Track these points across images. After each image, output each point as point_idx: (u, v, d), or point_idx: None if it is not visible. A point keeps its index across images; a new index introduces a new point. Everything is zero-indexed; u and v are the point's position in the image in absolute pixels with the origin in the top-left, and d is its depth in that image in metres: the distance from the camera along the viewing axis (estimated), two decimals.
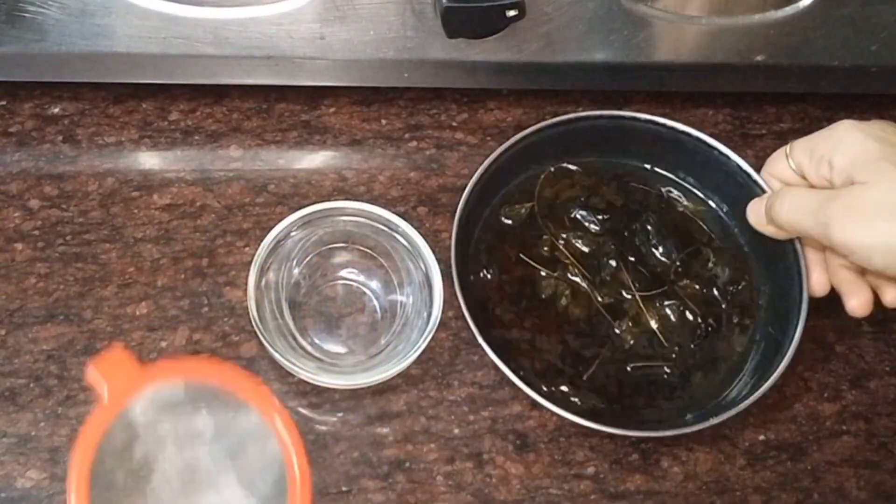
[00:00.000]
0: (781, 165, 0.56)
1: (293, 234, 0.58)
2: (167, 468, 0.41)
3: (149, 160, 0.65)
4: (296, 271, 0.60)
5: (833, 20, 0.60)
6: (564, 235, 0.61)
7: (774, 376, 0.55)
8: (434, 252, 0.57)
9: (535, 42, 0.60)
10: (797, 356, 0.57)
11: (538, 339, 0.59)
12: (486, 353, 0.62)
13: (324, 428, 0.58)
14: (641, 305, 0.59)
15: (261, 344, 0.59)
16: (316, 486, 0.56)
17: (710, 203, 0.64)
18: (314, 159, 0.66)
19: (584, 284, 0.60)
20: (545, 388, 0.57)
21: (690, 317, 0.60)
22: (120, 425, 0.41)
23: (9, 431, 0.55)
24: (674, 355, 0.59)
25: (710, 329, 0.60)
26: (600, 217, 0.62)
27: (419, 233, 0.58)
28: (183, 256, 0.62)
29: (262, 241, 0.57)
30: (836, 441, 0.60)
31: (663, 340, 0.59)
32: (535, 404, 0.60)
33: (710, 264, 0.61)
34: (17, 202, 0.62)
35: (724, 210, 0.63)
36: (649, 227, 0.61)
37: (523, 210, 0.62)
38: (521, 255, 0.60)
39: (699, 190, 0.64)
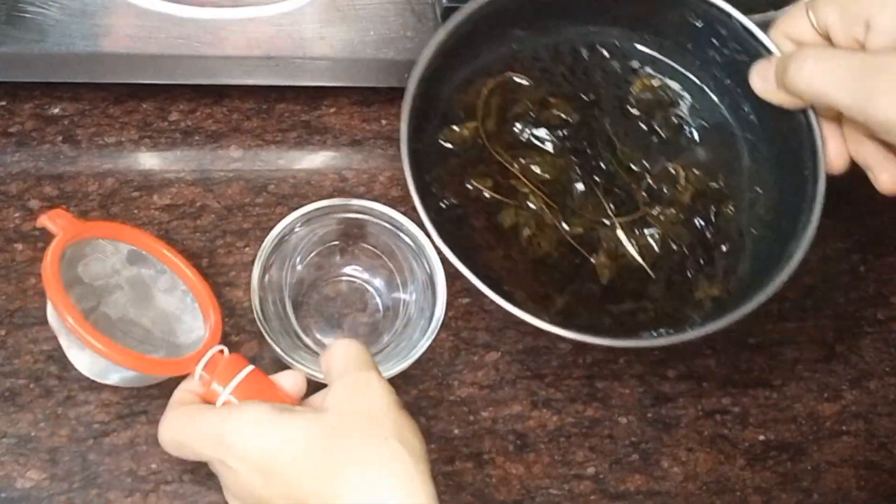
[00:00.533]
0: (800, 23, 0.47)
1: (296, 230, 0.58)
2: (117, 287, 0.54)
3: (149, 160, 0.65)
4: (299, 268, 0.59)
5: None
6: (521, 160, 0.54)
7: (790, 266, 0.48)
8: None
9: None
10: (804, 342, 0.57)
11: (507, 275, 0.53)
12: (485, 354, 0.62)
13: None
14: (621, 233, 0.53)
15: (261, 344, 0.59)
16: None
17: (692, 78, 0.55)
18: (314, 160, 0.66)
19: (548, 213, 0.53)
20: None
21: (675, 246, 0.53)
22: (72, 254, 0.51)
23: (9, 431, 0.55)
24: (658, 290, 0.53)
25: (701, 262, 0.53)
26: (557, 134, 0.54)
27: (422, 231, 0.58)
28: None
29: (262, 240, 0.57)
30: (836, 441, 0.61)
31: (650, 272, 0.53)
32: (534, 404, 0.60)
33: (692, 174, 0.54)
34: (17, 202, 0.62)
35: (711, 86, 0.55)
36: (616, 142, 0.54)
37: (466, 132, 0.54)
38: (472, 184, 0.54)
39: (678, 62, 0.55)
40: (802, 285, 0.66)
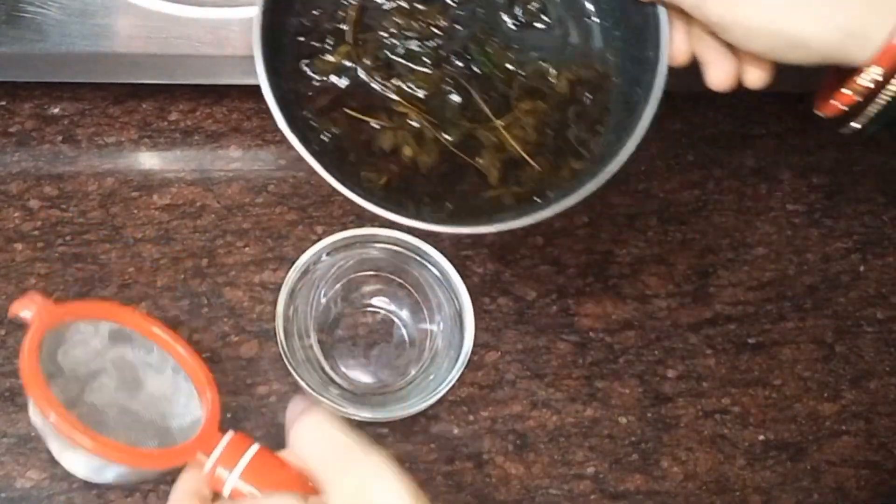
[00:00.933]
0: None
1: (322, 260, 0.57)
2: (102, 371, 0.50)
3: (149, 160, 0.65)
4: (323, 300, 0.59)
5: None
6: (395, 80, 0.53)
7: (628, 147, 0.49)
8: (464, 280, 0.56)
9: None
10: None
11: (393, 195, 0.53)
12: (485, 354, 0.62)
13: None
14: (500, 132, 0.53)
15: (261, 344, 0.59)
16: None
17: None
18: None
19: (429, 128, 0.53)
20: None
21: (551, 132, 0.54)
22: (51, 342, 0.47)
23: (9, 431, 0.55)
24: (542, 177, 0.53)
25: (575, 145, 0.53)
26: (429, 45, 0.54)
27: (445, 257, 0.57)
28: (183, 256, 0.62)
29: (263, 241, 0.57)
30: (836, 441, 0.61)
31: (533, 163, 0.53)
32: (534, 404, 0.60)
33: (559, 64, 0.55)
34: (17, 202, 0.62)
35: None
36: (484, 43, 0.54)
37: (337, 59, 0.53)
38: (347, 111, 0.53)
39: None
40: (802, 285, 0.66)
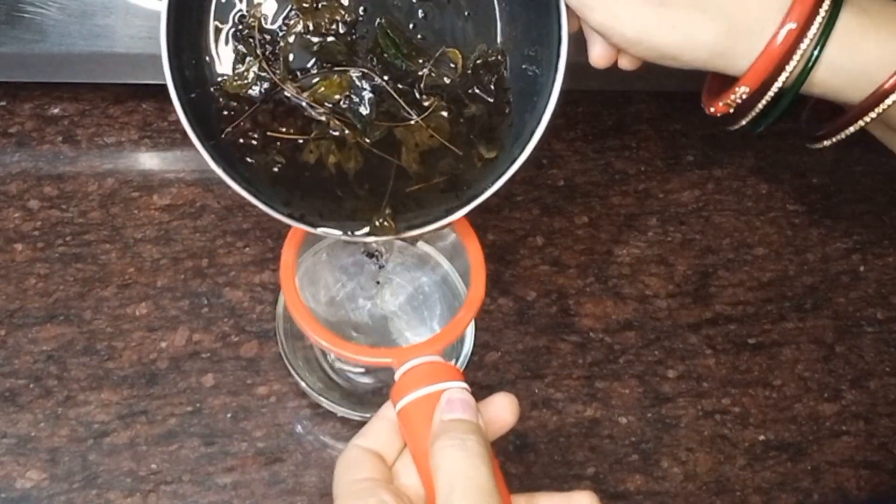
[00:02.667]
0: None
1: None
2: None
3: (149, 160, 0.65)
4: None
5: None
6: (307, 88, 0.52)
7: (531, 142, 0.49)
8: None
9: None
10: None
11: (328, 203, 0.52)
12: (485, 354, 0.62)
13: (325, 427, 0.58)
14: (417, 127, 0.52)
15: (261, 344, 0.59)
16: (317, 487, 0.56)
17: None
18: None
19: (349, 132, 0.52)
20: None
21: (463, 119, 0.53)
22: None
23: (9, 432, 0.55)
24: (461, 165, 0.53)
25: (486, 129, 0.53)
26: (337, 43, 0.52)
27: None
28: (183, 257, 0.62)
29: (263, 241, 0.57)
30: (836, 441, 0.61)
31: (455, 149, 0.52)
32: (534, 405, 0.60)
33: (465, 49, 0.54)
34: (17, 202, 0.62)
35: None
36: (390, 34, 0.53)
37: (250, 74, 0.51)
38: (268, 134, 0.51)
39: None
40: (802, 285, 0.66)
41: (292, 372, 0.55)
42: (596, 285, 0.65)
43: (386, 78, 0.53)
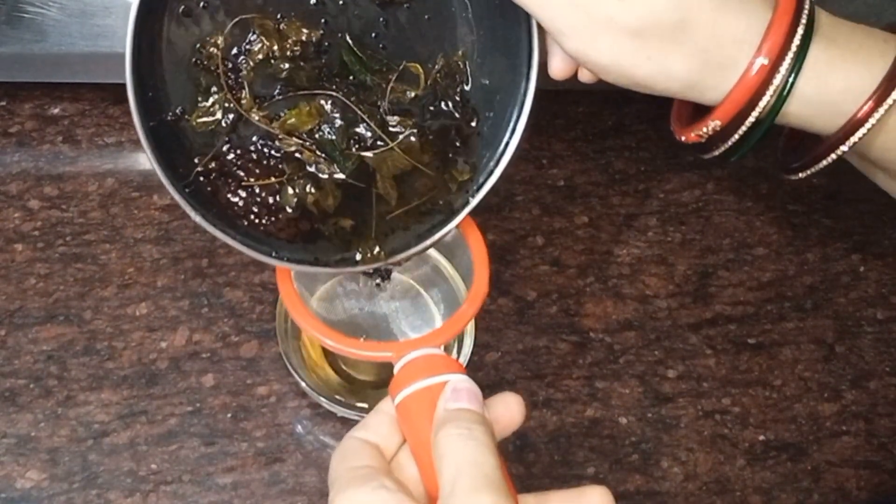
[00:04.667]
0: None
1: None
2: None
3: (149, 160, 0.65)
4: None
5: None
6: (275, 119, 0.49)
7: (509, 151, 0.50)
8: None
9: None
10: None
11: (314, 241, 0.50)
12: (485, 354, 0.62)
13: (325, 427, 0.58)
14: (395, 148, 0.51)
15: (261, 344, 0.59)
16: (317, 487, 0.56)
17: None
18: None
19: (322, 164, 0.50)
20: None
21: (437, 127, 0.52)
22: None
23: (9, 432, 0.55)
24: (437, 185, 0.52)
25: (457, 145, 0.52)
26: (303, 67, 0.50)
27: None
28: (183, 257, 0.62)
29: None
30: (836, 441, 0.61)
31: (427, 170, 0.51)
32: (534, 405, 0.60)
33: (430, 65, 0.52)
34: (17, 202, 0.62)
35: None
36: (356, 50, 0.51)
37: (215, 107, 0.48)
38: (246, 183, 0.49)
39: None
40: (802, 285, 0.66)
41: (292, 372, 0.55)
42: (596, 285, 0.65)
43: (353, 100, 0.51)
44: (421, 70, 0.52)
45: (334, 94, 0.50)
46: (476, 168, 0.52)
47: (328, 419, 0.58)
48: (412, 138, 0.51)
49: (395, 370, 0.43)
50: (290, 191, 0.50)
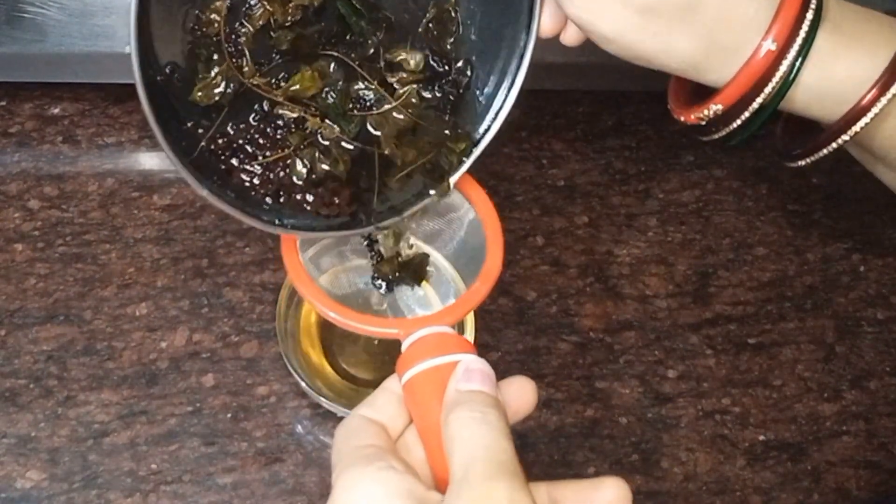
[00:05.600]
0: None
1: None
2: None
3: (149, 160, 0.65)
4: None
5: None
6: (282, 85, 0.48)
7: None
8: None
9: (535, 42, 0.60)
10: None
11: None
12: (485, 354, 0.62)
13: (325, 427, 0.58)
14: (399, 107, 0.50)
15: (261, 344, 0.59)
16: (317, 487, 0.56)
17: None
18: None
19: (326, 128, 0.49)
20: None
21: (431, 89, 0.51)
22: None
23: (9, 432, 0.55)
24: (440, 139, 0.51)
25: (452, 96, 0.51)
26: (305, 32, 0.48)
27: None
28: (183, 257, 0.62)
29: (263, 240, 0.57)
30: (837, 441, 0.60)
31: (428, 126, 0.51)
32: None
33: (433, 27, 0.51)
34: (17, 202, 0.62)
35: None
36: (361, 10, 0.49)
37: (219, 79, 0.46)
38: (257, 162, 0.48)
39: None
40: (802, 285, 0.66)
41: (292, 372, 0.55)
42: (596, 285, 0.65)
43: (353, 58, 0.49)
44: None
45: (335, 54, 0.49)
46: (475, 124, 0.51)
47: (328, 419, 0.58)
48: (412, 96, 0.50)
49: (403, 348, 0.41)
50: (299, 163, 0.48)
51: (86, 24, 0.58)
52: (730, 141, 0.48)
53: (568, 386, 0.61)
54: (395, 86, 0.50)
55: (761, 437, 0.60)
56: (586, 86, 0.68)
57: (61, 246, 0.61)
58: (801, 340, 0.64)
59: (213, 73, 0.46)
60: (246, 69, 0.47)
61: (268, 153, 0.48)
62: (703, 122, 0.47)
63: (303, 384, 0.55)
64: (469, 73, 0.51)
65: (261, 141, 0.48)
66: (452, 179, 0.50)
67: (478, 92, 0.52)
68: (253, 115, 0.48)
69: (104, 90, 0.66)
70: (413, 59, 0.50)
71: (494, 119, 0.50)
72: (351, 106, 0.49)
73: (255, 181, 0.48)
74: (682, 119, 0.49)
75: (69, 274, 0.61)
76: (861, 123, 0.44)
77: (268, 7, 0.48)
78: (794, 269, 0.67)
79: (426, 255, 0.51)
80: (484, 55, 0.51)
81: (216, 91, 0.46)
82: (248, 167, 0.48)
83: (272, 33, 0.48)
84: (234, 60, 0.47)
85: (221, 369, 0.58)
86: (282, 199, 0.48)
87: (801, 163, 0.49)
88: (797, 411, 0.61)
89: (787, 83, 0.44)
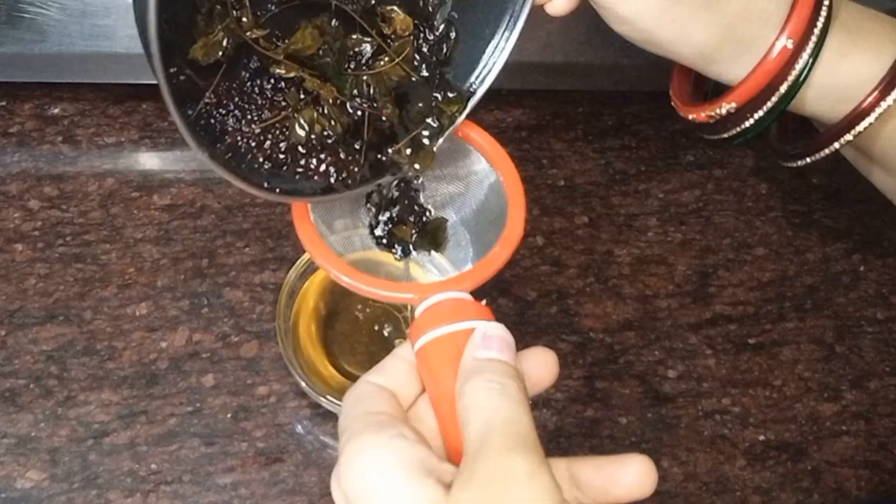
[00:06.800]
0: None
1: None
2: None
3: (149, 160, 0.65)
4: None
5: None
6: (283, 43, 0.45)
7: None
8: None
9: (535, 42, 0.60)
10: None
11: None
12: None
13: (325, 427, 0.58)
14: (389, 69, 0.47)
15: (261, 344, 0.59)
16: (317, 487, 0.56)
17: None
18: None
19: (325, 89, 0.46)
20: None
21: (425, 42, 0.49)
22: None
23: (9, 432, 0.55)
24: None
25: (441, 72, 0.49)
26: None
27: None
28: (183, 257, 0.62)
29: (263, 241, 0.57)
30: (837, 441, 0.60)
31: (421, 78, 0.49)
32: (535, 405, 0.60)
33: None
34: (17, 202, 0.62)
35: None
36: None
37: (220, 35, 0.43)
38: (258, 123, 0.45)
39: None
40: (802, 285, 0.66)
41: (292, 372, 0.55)
42: (596, 285, 0.65)
43: (352, 18, 0.46)
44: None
45: (335, 1, 0.46)
46: (467, 77, 0.49)
47: (328, 419, 0.58)
48: (408, 45, 0.47)
49: (417, 313, 0.39)
50: (298, 126, 0.46)
51: (86, 24, 0.58)
52: (735, 140, 0.47)
53: (568, 386, 0.61)
54: (391, 39, 0.47)
55: (761, 437, 0.60)
56: (586, 86, 0.68)
57: (61, 246, 0.61)
58: (801, 340, 0.64)
59: (216, 29, 0.42)
60: (245, 21, 0.43)
61: (265, 114, 0.45)
62: (713, 121, 0.47)
63: (303, 384, 0.55)
64: (453, 34, 0.49)
65: (258, 101, 0.45)
66: (456, 123, 0.47)
67: (466, 52, 0.49)
68: (247, 74, 0.44)
69: (104, 90, 0.66)
70: (402, 15, 0.47)
71: (482, 80, 0.48)
72: (347, 64, 0.47)
73: (253, 144, 0.45)
74: (691, 117, 0.48)
75: (69, 274, 0.61)
76: (864, 124, 0.44)
77: None
78: (794, 269, 0.67)
79: (444, 220, 0.48)
80: (472, 20, 0.49)
81: (218, 48, 0.42)
82: (244, 129, 0.45)
83: None
84: (234, 12, 0.43)
85: (221, 369, 0.58)
86: (283, 163, 0.45)
87: (800, 163, 0.48)
88: (797, 411, 0.61)
89: (799, 82, 0.43)
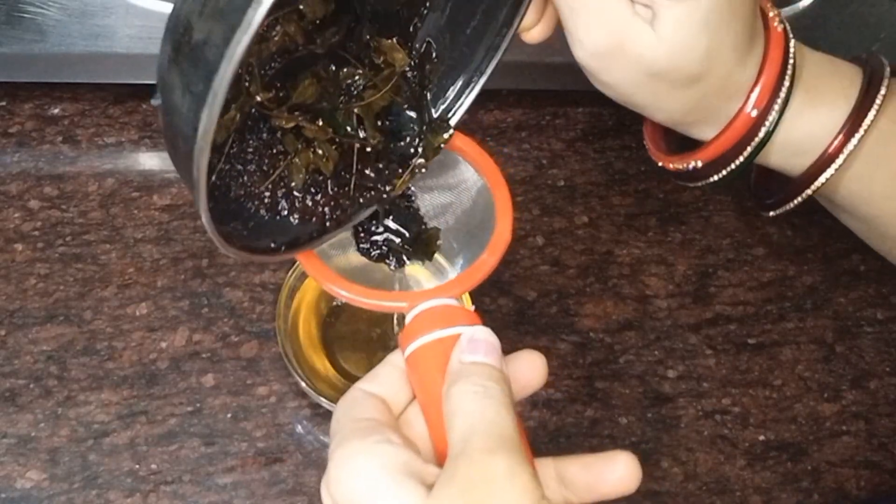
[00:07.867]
0: None
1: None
2: None
3: (149, 160, 0.65)
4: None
5: (832, 21, 0.60)
6: (287, 103, 0.45)
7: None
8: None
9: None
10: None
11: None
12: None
13: (325, 427, 0.58)
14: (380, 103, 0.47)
15: (261, 344, 0.59)
16: (317, 487, 0.56)
17: None
18: None
19: (320, 135, 0.45)
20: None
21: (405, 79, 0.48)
22: None
23: (9, 432, 0.55)
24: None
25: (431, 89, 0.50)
26: (325, 38, 0.45)
27: None
28: (183, 257, 0.62)
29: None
30: (836, 441, 0.60)
31: (407, 103, 0.49)
32: (534, 405, 0.60)
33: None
34: (17, 202, 0.62)
35: None
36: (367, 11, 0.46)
37: (236, 114, 0.42)
38: (269, 185, 0.45)
39: None
40: (802, 285, 0.66)
41: (292, 372, 0.55)
42: (596, 285, 0.65)
43: (350, 60, 0.46)
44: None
45: (335, 58, 0.45)
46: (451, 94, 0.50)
47: (328, 419, 0.57)
48: (397, 75, 0.47)
49: (407, 320, 0.40)
50: (296, 171, 0.45)
51: (86, 24, 0.58)
52: (704, 187, 0.50)
53: (568, 386, 0.61)
54: (380, 67, 0.47)
55: (761, 437, 0.60)
56: (586, 86, 0.68)
57: (61, 246, 0.61)
58: (801, 340, 0.64)
59: (231, 108, 0.42)
60: (253, 88, 0.43)
61: (265, 168, 0.45)
62: (682, 172, 0.49)
63: (303, 384, 0.55)
64: (434, 58, 0.49)
65: (258, 157, 0.45)
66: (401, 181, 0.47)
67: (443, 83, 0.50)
68: (250, 136, 0.44)
69: (104, 90, 0.66)
70: (402, 53, 0.47)
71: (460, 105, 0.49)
72: (339, 101, 0.46)
73: (258, 202, 0.45)
74: (661, 164, 0.50)
75: (69, 274, 0.61)
76: (824, 177, 0.46)
77: (288, 27, 0.43)
78: (794, 269, 0.67)
79: (437, 230, 0.49)
80: (452, 49, 0.49)
81: (231, 124, 0.42)
82: (252, 190, 0.44)
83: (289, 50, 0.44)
84: (245, 84, 0.43)
85: (221, 369, 0.58)
86: (282, 212, 0.45)
87: (772, 213, 0.51)
88: (797, 411, 0.61)
89: (762, 144, 0.46)
